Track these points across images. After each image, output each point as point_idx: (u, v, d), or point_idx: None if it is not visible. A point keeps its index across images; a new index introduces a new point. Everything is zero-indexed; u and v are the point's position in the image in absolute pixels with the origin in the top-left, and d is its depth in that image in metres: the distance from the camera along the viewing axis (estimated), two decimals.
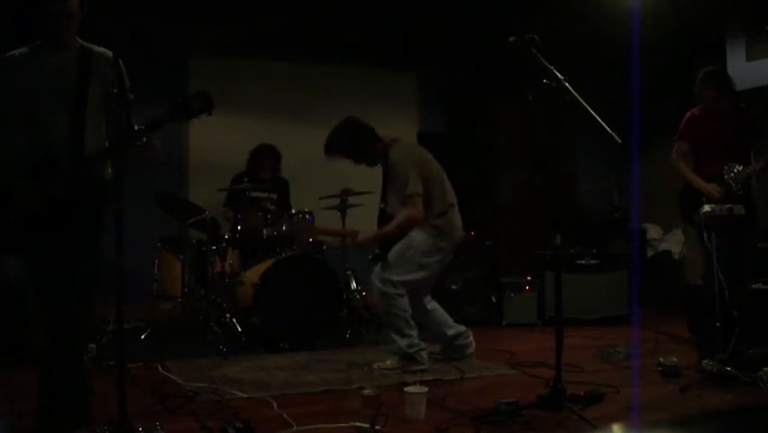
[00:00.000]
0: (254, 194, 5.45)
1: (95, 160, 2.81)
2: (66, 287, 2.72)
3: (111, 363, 3.44)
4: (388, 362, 4.01)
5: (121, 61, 2.81)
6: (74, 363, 2.80)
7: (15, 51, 2.83)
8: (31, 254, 2.79)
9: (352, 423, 2.83)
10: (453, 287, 5.78)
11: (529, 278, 5.85)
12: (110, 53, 2.81)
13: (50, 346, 2.76)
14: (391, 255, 3.97)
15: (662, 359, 3.86)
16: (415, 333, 3.98)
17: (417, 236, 3.97)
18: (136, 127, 2.63)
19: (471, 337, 4.33)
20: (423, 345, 4.01)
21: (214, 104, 2.58)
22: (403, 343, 3.94)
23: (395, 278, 3.91)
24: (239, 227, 5.11)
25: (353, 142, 4.10)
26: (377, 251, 4.09)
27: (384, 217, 4.13)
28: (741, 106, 4.23)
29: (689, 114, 4.29)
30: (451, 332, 4.25)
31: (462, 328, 4.30)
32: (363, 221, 4.60)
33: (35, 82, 2.77)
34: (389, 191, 4.05)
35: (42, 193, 2.70)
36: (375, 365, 4.02)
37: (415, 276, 3.96)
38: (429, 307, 4.23)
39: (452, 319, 4.29)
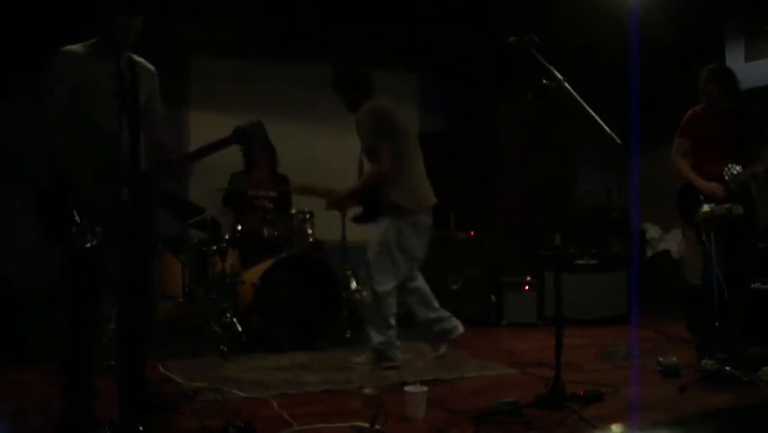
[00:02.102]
0: (251, 192, 5.44)
1: (160, 168, 2.96)
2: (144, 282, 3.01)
3: (111, 362, 3.44)
4: (362, 357, 4.08)
5: (156, 71, 3.00)
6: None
7: (74, 47, 2.85)
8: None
9: (351, 423, 2.84)
10: (453, 287, 5.78)
11: (529, 278, 5.84)
12: (150, 66, 3.00)
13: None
14: (370, 254, 4.00)
15: (661, 359, 3.87)
16: (392, 333, 4.00)
17: (383, 228, 3.96)
18: (201, 145, 2.97)
19: (455, 322, 4.23)
20: (398, 343, 4.04)
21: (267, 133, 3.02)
22: (377, 339, 3.98)
23: (378, 277, 3.95)
24: (239, 227, 5.11)
25: (350, 81, 4.21)
26: (356, 216, 4.18)
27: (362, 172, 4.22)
28: (743, 107, 4.21)
29: (691, 111, 4.27)
30: (432, 315, 4.21)
31: (446, 314, 4.23)
32: None
33: (94, 82, 2.81)
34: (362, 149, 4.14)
35: (111, 193, 2.73)
36: (353, 360, 4.09)
37: (397, 267, 3.97)
38: (411, 286, 4.16)
39: (436, 303, 4.24)
